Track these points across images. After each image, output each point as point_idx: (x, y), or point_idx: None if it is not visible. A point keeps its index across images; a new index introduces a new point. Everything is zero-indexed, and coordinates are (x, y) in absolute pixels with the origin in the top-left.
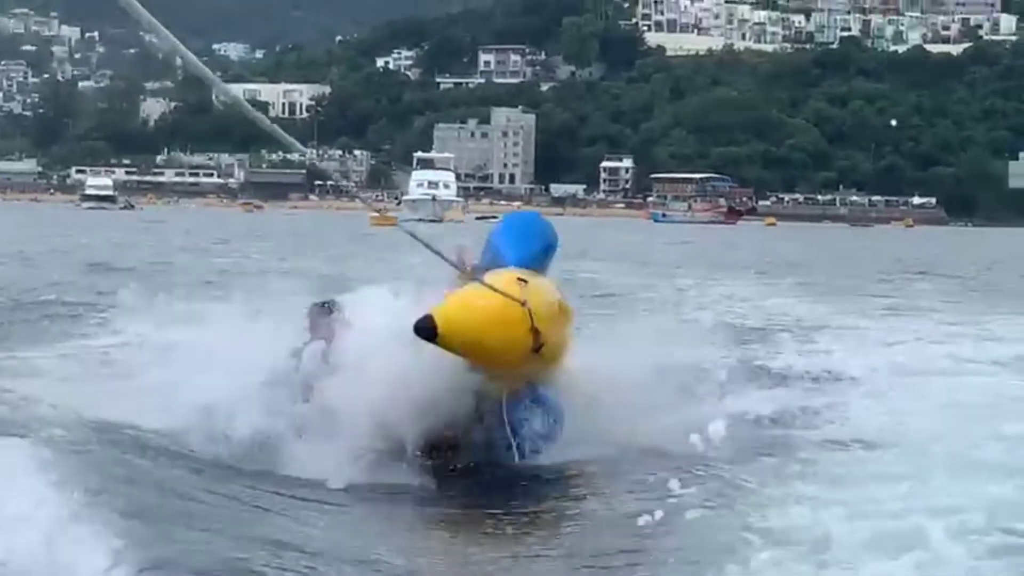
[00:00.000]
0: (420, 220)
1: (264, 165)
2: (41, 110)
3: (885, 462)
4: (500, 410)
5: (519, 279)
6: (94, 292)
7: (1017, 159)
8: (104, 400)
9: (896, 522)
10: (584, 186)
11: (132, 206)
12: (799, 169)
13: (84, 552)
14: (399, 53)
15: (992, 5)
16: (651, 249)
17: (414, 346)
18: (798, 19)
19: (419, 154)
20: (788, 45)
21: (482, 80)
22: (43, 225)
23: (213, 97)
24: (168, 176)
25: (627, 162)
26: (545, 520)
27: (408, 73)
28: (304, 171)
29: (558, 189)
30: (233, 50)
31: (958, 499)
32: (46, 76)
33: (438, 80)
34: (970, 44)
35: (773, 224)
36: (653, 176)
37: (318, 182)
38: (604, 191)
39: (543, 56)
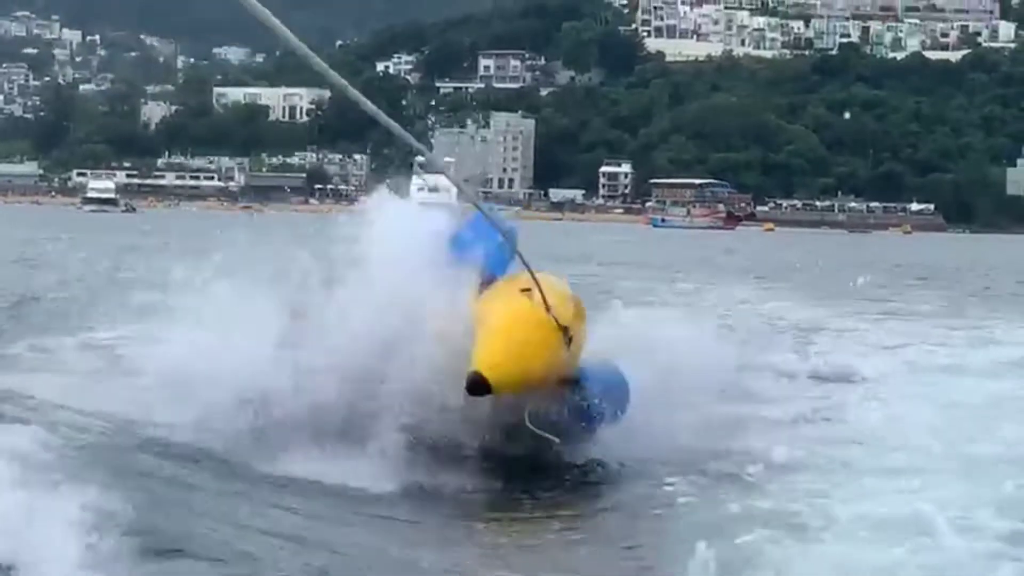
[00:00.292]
0: None
1: (264, 169)
2: (42, 113)
3: (893, 458)
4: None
5: (523, 290)
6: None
7: (1015, 166)
8: (113, 393)
9: (900, 511)
10: (583, 191)
11: (133, 209)
12: (797, 175)
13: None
14: (399, 58)
15: (991, 12)
16: (652, 253)
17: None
18: (797, 25)
19: (419, 158)
20: (787, 51)
21: (482, 85)
22: (49, 226)
23: (213, 100)
24: (169, 179)
25: (626, 167)
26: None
27: (408, 78)
28: (304, 174)
29: (557, 194)
30: (233, 54)
31: (962, 493)
32: (47, 79)
33: (438, 85)
34: (969, 51)
35: (771, 230)
36: (652, 181)
37: (318, 185)
38: (603, 196)
39: (543, 61)
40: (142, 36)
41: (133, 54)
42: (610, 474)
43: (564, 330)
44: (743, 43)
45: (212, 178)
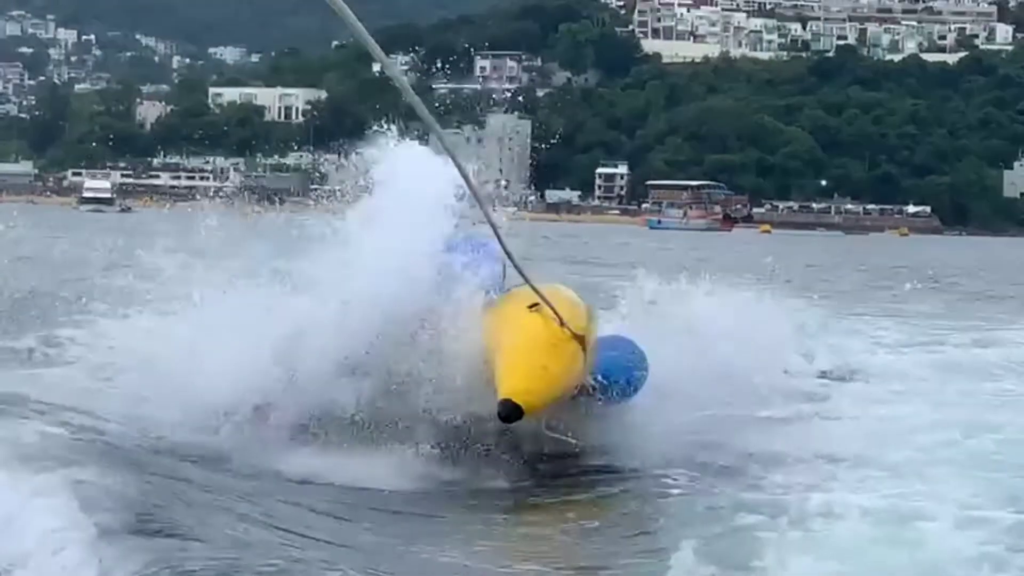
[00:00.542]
0: None
1: (260, 169)
2: (37, 112)
3: (895, 454)
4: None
5: (531, 306)
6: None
7: (1012, 168)
8: (121, 389)
9: (900, 505)
10: (579, 192)
11: (129, 209)
12: (794, 177)
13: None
14: (395, 58)
15: (988, 15)
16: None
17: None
18: (794, 27)
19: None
20: (784, 53)
21: (478, 86)
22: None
23: (209, 100)
24: (164, 179)
25: (622, 168)
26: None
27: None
28: (299, 174)
29: (553, 195)
30: (229, 54)
31: (963, 488)
32: (42, 78)
33: (434, 86)
34: (966, 53)
35: (768, 231)
36: (648, 183)
37: (314, 186)
38: (599, 197)
39: (539, 62)
40: (137, 36)
41: (128, 54)
42: (621, 468)
43: (580, 339)
44: (740, 45)
45: (207, 178)
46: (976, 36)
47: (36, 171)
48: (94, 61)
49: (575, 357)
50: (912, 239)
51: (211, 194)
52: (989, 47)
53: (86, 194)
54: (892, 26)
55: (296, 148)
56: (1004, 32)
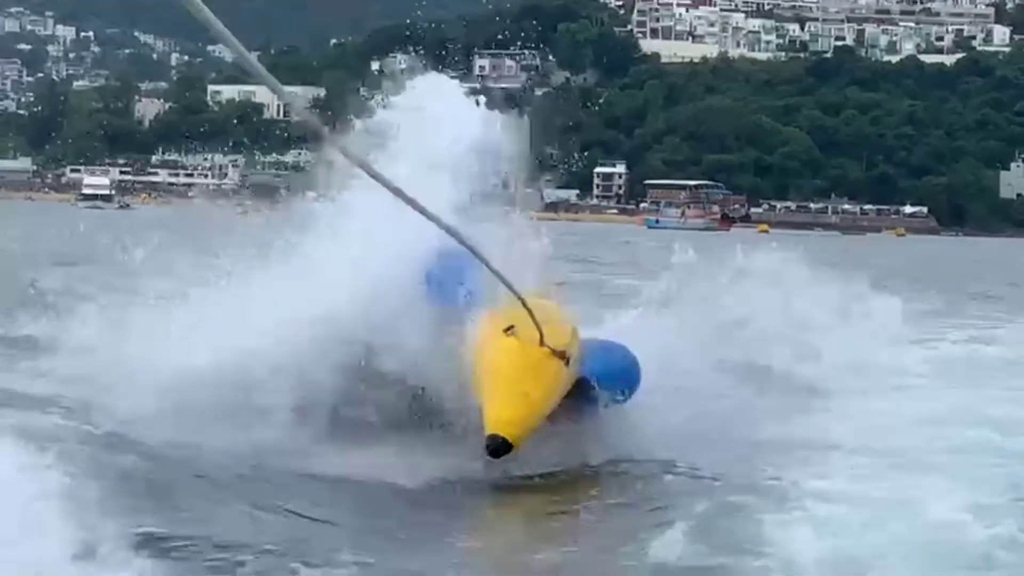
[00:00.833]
0: None
1: (258, 167)
2: (36, 109)
3: (894, 446)
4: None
5: (506, 329)
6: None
7: (1008, 169)
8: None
9: (896, 495)
10: (577, 191)
11: (127, 205)
12: (792, 177)
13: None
14: (395, 57)
15: (986, 16)
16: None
17: None
18: (792, 28)
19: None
20: (782, 54)
21: (477, 85)
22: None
23: (207, 97)
24: (162, 176)
25: (620, 168)
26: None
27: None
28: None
29: (551, 194)
30: (227, 51)
31: (961, 479)
32: (41, 75)
33: None
34: (963, 55)
35: (766, 231)
36: (647, 182)
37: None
38: (597, 196)
39: (538, 62)
40: (136, 33)
41: (127, 51)
42: (625, 457)
43: (560, 354)
44: (738, 45)
45: (206, 175)
46: (973, 37)
47: (34, 168)
48: (92, 58)
49: (557, 375)
50: (909, 239)
51: (210, 191)
52: (986, 48)
53: (85, 191)
54: (890, 27)
55: (295, 146)
56: (1001, 34)
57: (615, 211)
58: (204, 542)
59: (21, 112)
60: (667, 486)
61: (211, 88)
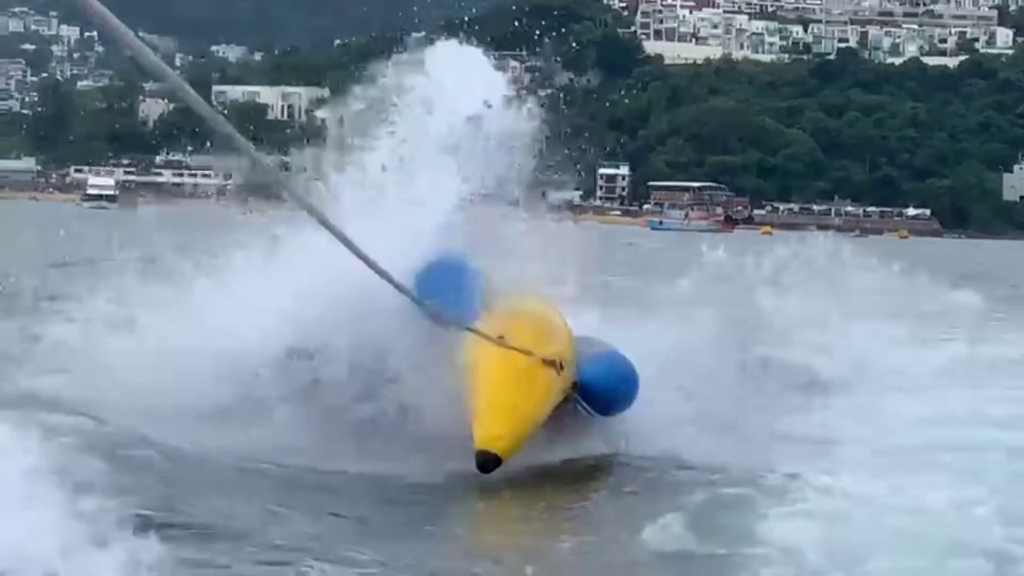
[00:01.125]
0: None
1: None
2: (40, 109)
3: (899, 443)
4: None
5: (499, 339)
6: None
7: (1011, 172)
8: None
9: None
10: (580, 193)
11: (132, 205)
12: (795, 179)
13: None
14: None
15: (989, 19)
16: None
17: None
18: (796, 30)
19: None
20: (785, 55)
21: None
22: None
23: (212, 98)
24: (166, 177)
25: (624, 170)
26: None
27: None
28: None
29: (552, 195)
30: (231, 52)
31: (964, 476)
32: (45, 75)
33: None
34: (966, 57)
35: (769, 233)
36: (650, 184)
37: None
38: (600, 198)
39: (541, 63)
40: (140, 33)
41: (131, 51)
42: (632, 456)
43: (552, 363)
44: (742, 47)
45: (209, 176)
46: (976, 40)
47: (38, 168)
48: (96, 58)
49: (550, 384)
50: (912, 241)
51: (214, 191)
52: (989, 51)
53: (90, 191)
54: (893, 29)
55: (299, 147)
56: (1004, 36)
57: (618, 212)
58: (208, 534)
59: (25, 112)
60: (669, 477)
61: (215, 88)
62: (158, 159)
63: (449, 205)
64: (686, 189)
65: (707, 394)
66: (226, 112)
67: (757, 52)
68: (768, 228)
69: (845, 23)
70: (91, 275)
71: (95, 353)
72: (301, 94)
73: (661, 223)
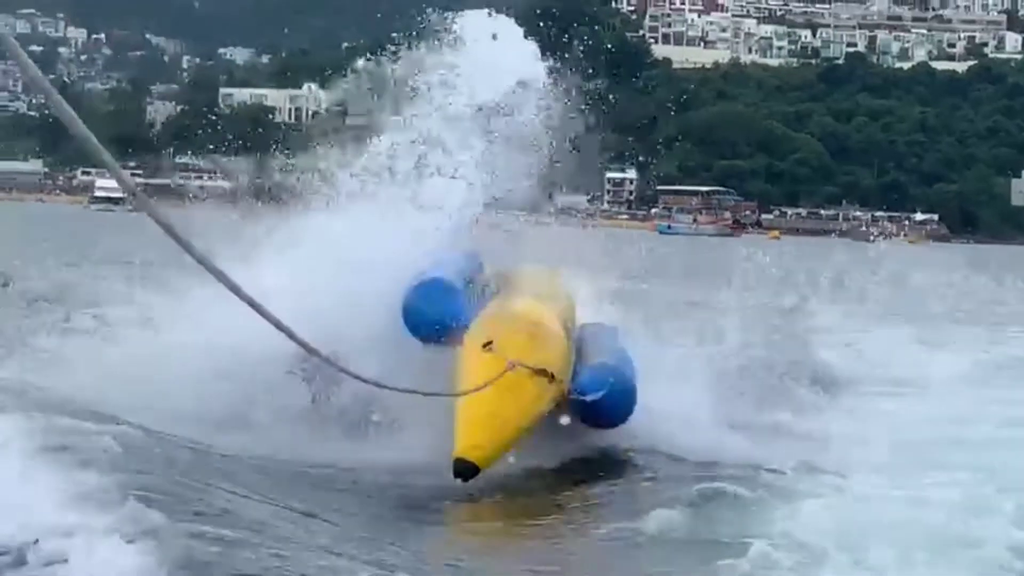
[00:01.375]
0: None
1: (271, 170)
2: (47, 111)
3: (915, 444)
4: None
5: (485, 345)
6: None
7: (1020, 177)
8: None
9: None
10: (588, 196)
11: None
12: (803, 183)
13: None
14: (397, 65)
15: (998, 23)
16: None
17: None
18: (804, 34)
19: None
20: (794, 60)
21: None
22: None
23: (219, 100)
24: (174, 179)
25: (631, 174)
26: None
27: None
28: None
29: (560, 199)
30: (239, 54)
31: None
32: (52, 77)
33: None
34: (975, 62)
35: (777, 238)
36: (658, 188)
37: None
38: (608, 202)
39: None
40: (147, 35)
41: (138, 53)
42: (640, 450)
43: (542, 372)
44: (750, 51)
45: (216, 179)
46: (985, 44)
47: (45, 170)
48: (104, 60)
49: (538, 394)
50: (921, 247)
51: (220, 194)
52: (998, 56)
53: (98, 193)
54: (902, 34)
55: (306, 149)
56: (1013, 41)
57: (626, 217)
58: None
59: (32, 114)
60: (675, 470)
61: (222, 91)
62: (165, 162)
63: (461, 209)
64: (694, 193)
65: (724, 392)
66: (233, 115)
67: (765, 56)
68: (776, 232)
69: (854, 27)
70: (103, 276)
71: (102, 351)
72: (306, 96)
73: (669, 227)
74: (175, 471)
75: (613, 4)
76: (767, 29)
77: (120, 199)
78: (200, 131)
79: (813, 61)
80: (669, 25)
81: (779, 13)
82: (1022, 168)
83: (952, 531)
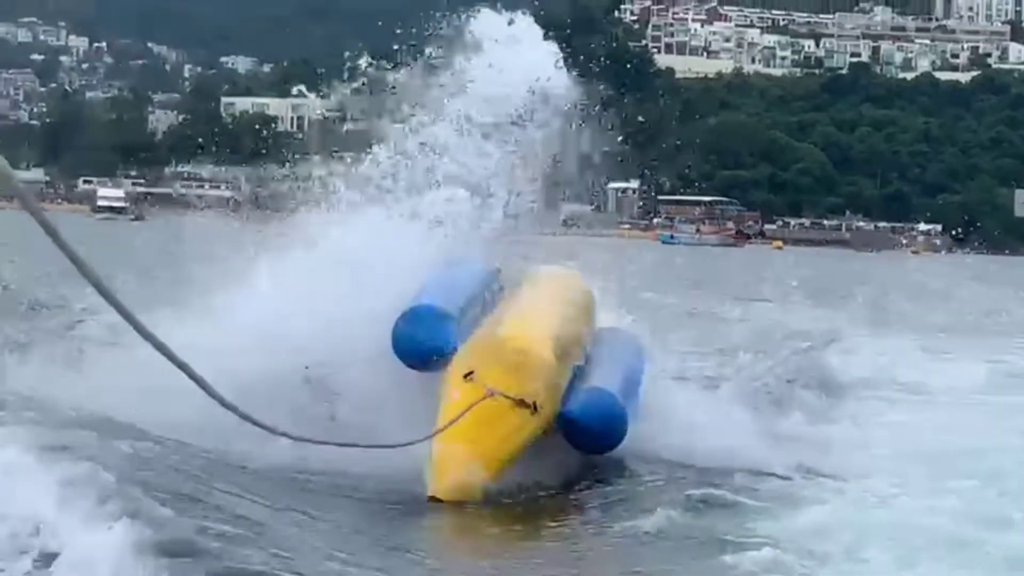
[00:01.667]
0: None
1: (272, 179)
2: (48, 120)
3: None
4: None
5: (466, 376)
6: None
7: (1023, 188)
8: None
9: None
10: (591, 207)
11: (142, 217)
12: (806, 193)
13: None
14: (410, 68)
15: (1002, 34)
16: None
17: None
18: (808, 44)
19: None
20: (797, 70)
21: None
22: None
23: (221, 109)
24: (175, 188)
25: (634, 183)
26: None
27: None
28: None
29: (565, 210)
30: (240, 63)
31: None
32: (54, 86)
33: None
34: (979, 72)
35: (780, 248)
36: (661, 198)
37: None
38: (611, 212)
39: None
40: (149, 44)
41: (140, 62)
42: (641, 448)
43: (522, 403)
44: (753, 61)
45: (219, 187)
46: (989, 55)
47: (47, 178)
48: (105, 69)
49: (521, 426)
50: (924, 258)
51: (222, 203)
52: (1002, 66)
53: (100, 202)
54: (905, 44)
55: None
56: (1017, 51)
57: (628, 226)
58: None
59: (34, 123)
60: (675, 472)
61: (224, 100)
62: (167, 170)
63: (474, 220)
64: (697, 203)
65: (733, 395)
66: (235, 124)
67: (769, 66)
68: (779, 243)
69: (857, 38)
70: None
71: (106, 358)
72: (310, 105)
73: (672, 237)
74: (180, 475)
75: (616, 14)
76: (770, 39)
77: (123, 208)
78: (202, 140)
79: (816, 71)
80: (672, 35)
81: (782, 23)
82: None
83: (957, 537)
